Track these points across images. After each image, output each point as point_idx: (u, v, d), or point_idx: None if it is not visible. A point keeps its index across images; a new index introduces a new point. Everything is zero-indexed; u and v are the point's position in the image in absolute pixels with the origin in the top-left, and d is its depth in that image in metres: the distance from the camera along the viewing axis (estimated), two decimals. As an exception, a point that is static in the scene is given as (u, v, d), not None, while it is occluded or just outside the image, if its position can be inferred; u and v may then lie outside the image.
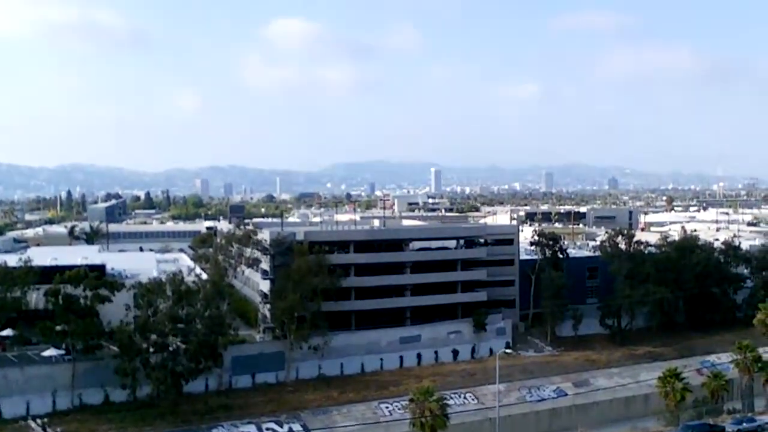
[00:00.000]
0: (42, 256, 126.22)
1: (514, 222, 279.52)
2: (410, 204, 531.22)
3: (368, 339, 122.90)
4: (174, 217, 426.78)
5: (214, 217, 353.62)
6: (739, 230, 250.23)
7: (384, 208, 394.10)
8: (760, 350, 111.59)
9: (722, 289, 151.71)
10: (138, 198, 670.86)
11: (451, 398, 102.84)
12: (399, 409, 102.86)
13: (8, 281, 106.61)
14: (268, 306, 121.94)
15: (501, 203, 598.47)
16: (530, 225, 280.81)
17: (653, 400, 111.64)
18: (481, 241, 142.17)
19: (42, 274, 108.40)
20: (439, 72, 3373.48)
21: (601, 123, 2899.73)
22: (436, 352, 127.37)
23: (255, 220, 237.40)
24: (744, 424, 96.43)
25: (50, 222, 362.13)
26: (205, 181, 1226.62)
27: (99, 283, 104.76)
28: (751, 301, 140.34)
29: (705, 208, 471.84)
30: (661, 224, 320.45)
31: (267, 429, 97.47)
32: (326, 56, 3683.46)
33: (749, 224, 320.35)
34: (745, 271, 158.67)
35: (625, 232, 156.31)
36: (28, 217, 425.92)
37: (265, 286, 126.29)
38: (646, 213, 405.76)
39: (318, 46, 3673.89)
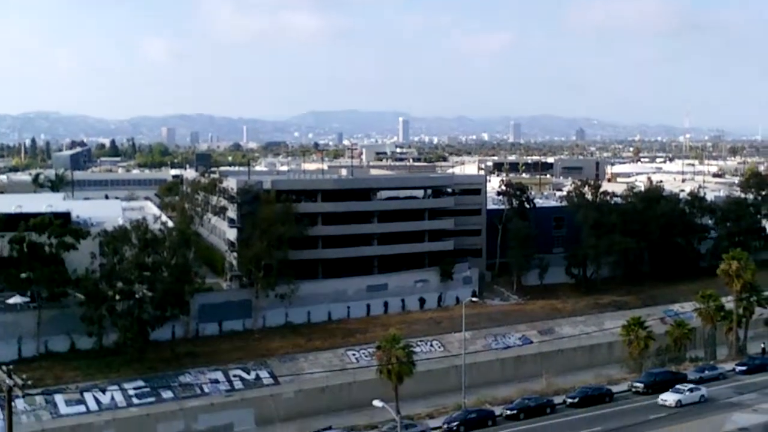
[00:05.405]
0: (6, 204, 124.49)
1: (482, 172, 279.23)
2: (378, 153, 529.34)
3: (335, 287, 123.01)
4: (140, 165, 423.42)
5: (180, 166, 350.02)
6: (704, 181, 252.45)
7: (352, 157, 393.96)
8: (723, 300, 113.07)
9: (687, 240, 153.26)
10: (103, 146, 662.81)
11: (418, 346, 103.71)
12: (366, 356, 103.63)
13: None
14: (235, 254, 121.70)
15: (469, 153, 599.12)
16: (498, 175, 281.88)
17: (617, 348, 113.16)
18: (449, 190, 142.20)
19: (6, 222, 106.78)
20: (409, 21, 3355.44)
21: (569, 74, 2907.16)
22: (402, 301, 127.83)
23: (221, 168, 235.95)
24: (706, 372, 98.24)
25: (14, 170, 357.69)
26: (171, 130, 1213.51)
27: (64, 231, 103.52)
28: (715, 251, 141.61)
29: (671, 160, 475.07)
30: (627, 175, 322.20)
31: (234, 376, 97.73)
32: (295, 4, 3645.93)
33: (714, 176, 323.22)
34: (710, 222, 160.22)
35: (592, 182, 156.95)
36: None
37: (231, 234, 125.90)
38: (612, 164, 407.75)
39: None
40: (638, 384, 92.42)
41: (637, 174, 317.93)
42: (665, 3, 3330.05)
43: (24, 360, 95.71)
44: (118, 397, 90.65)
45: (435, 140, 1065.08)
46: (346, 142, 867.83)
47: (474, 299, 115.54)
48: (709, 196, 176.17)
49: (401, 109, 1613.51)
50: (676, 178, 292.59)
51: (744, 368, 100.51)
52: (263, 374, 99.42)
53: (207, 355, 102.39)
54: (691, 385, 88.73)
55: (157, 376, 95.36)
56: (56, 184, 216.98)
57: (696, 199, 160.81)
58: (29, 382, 61.56)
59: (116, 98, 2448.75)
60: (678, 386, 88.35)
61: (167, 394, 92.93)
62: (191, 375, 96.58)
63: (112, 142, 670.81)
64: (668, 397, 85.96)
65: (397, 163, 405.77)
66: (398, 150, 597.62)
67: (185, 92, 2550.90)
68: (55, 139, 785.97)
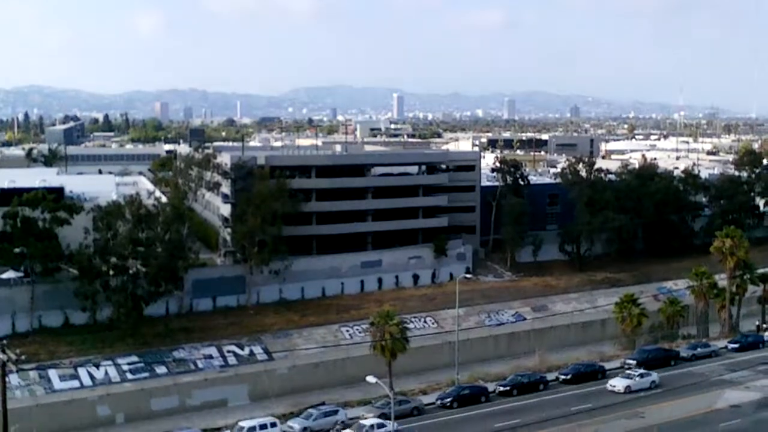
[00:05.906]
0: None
1: (476, 148, 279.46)
2: (372, 129, 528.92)
3: (329, 263, 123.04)
4: (133, 140, 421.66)
5: (173, 141, 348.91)
6: (698, 159, 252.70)
7: (346, 133, 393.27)
8: (716, 277, 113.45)
9: (680, 217, 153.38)
10: (96, 120, 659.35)
11: (412, 322, 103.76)
12: (359, 332, 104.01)
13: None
14: (229, 230, 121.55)
15: (463, 130, 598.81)
16: (492, 152, 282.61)
17: (610, 325, 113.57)
18: (443, 167, 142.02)
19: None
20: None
21: (564, 51, 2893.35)
22: (396, 277, 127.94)
23: (215, 144, 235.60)
24: (698, 350, 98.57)
25: (7, 144, 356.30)
26: (164, 104, 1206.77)
27: (57, 206, 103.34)
28: (708, 228, 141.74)
29: (665, 137, 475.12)
30: (621, 152, 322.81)
31: (228, 351, 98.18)
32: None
33: (709, 153, 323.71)
34: (704, 199, 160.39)
35: (586, 159, 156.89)
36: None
37: (225, 210, 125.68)
38: (607, 141, 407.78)
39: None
40: (631, 361, 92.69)
41: (632, 151, 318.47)
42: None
43: (18, 335, 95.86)
44: (112, 373, 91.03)
45: (429, 116, 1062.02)
46: (340, 118, 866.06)
47: (468, 276, 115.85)
48: (703, 174, 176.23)
49: (395, 85, 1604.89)
50: (670, 155, 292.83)
51: (736, 346, 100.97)
52: (257, 350, 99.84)
53: (201, 330, 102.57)
54: (641, 371, 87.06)
55: (151, 351, 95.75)
56: (49, 159, 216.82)
57: (690, 176, 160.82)
58: (23, 357, 61.88)
59: (110, 73, 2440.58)
60: (628, 371, 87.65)
61: (161, 370, 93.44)
62: (185, 350, 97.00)
63: (106, 116, 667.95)
64: (617, 383, 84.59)
65: (392, 140, 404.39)
66: (392, 126, 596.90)
67: (179, 67, 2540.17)
68: (48, 114, 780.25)
